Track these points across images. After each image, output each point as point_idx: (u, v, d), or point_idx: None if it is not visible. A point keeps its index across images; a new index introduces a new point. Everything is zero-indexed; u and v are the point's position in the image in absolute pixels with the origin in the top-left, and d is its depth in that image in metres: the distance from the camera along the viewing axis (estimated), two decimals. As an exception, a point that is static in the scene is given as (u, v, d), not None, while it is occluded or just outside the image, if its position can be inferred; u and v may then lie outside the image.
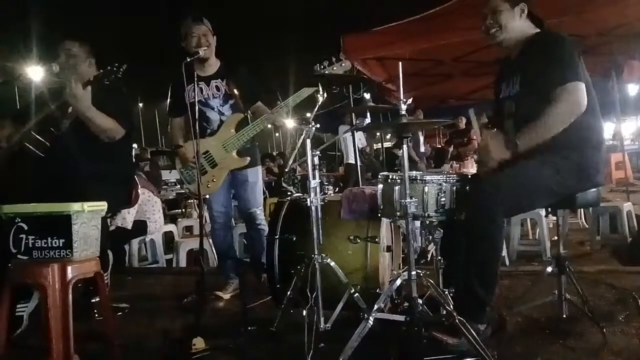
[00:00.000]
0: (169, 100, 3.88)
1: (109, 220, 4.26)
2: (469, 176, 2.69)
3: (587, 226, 6.40)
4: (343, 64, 3.03)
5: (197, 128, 3.18)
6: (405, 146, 2.48)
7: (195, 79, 3.46)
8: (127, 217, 5.19)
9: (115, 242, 5.02)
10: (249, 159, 3.69)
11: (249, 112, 3.70)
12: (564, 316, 2.84)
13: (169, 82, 3.83)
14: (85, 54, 3.49)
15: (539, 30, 2.72)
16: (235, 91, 3.66)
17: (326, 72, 2.97)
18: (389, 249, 3.15)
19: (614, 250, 5.07)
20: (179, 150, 3.71)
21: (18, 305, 3.13)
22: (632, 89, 8.71)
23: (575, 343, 2.59)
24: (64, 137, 3.29)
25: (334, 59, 2.97)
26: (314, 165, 2.75)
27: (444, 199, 2.54)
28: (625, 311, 2.99)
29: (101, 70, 3.19)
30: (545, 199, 2.66)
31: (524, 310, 2.95)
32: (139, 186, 5.44)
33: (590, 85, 2.61)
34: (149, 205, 5.47)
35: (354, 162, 7.25)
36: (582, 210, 6.72)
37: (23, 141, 3.26)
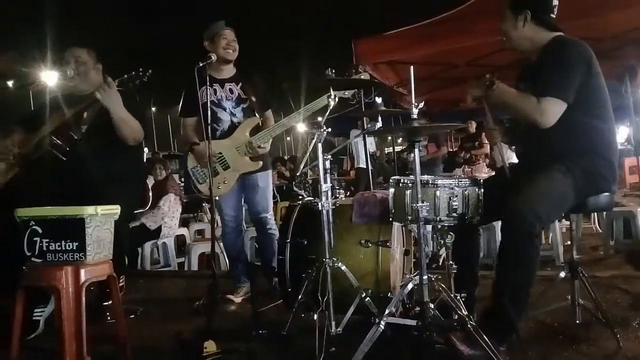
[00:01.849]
0: (182, 101, 3.93)
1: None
2: (481, 180, 2.68)
3: (600, 231, 6.34)
4: (362, 76, 3.09)
5: (209, 130, 3.21)
6: (416, 150, 2.49)
7: (209, 80, 3.49)
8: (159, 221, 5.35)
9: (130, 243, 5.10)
10: (261, 163, 3.73)
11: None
12: (578, 322, 2.82)
13: (182, 85, 3.89)
14: (93, 60, 3.54)
15: (557, 34, 2.68)
16: (253, 98, 3.76)
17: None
18: (407, 252, 3.15)
19: (628, 255, 5.02)
20: (196, 148, 3.74)
21: (35, 310, 3.17)
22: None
23: (589, 349, 2.57)
24: (81, 142, 3.33)
25: (353, 70, 3.01)
26: (325, 169, 2.76)
27: (456, 203, 2.53)
28: (639, 317, 2.96)
29: (125, 75, 3.25)
30: (567, 206, 2.63)
31: (537, 315, 2.93)
32: (175, 193, 5.59)
33: (601, 89, 2.60)
34: (170, 212, 5.57)
35: (364, 166, 7.27)
36: (595, 214, 6.67)
37: (44, 146, 3.30)
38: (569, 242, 3.06)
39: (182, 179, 6.91)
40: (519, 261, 2.43)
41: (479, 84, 2.71)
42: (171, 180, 5.91)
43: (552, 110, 2.51)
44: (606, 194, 2.61)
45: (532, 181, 2.51)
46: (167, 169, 6.11)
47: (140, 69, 3.23)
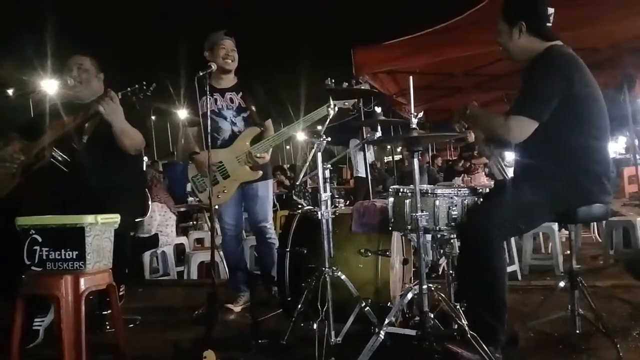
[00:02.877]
0: (186, 111, 3.96)
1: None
2: (481, 190, 2.69)
3: (600, 240, 6.34)
4: (362, 87, 3.10)
5: (209, 139, 3.22)
6: (415, 159, 2.50)
7: (209, 90, 3.49)
8: (152, 230, 5.34)
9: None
10: (261, 172, 3.73)
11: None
12: (577, 332, 2.81)
13: (184, 93, 3.93)
14: (95, 68, 3.55)
15: (551, 43, 2.65)
16: (253, 107, 3.78)
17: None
18: (406, 261, 3.15)
19: (627, 265, 5.01)
20: (196, 157, 3.76)
21: (35, 320, 3.17)
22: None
23: (589, 359, 2.57)
24: (83, 152, 3.33)
25: (353, 81, 3.02)
26: (325, 178, 2.76)
27: (455, 212, 2.54)
28: (639, 326, 2.96)
29: (129, 88, 3.25)
30: (541, 218, 2.63)
31: (536, 325, 2.92)
32: (161, 201, 5.58)
33: (589, 101, 2.57)
34: (163, 220, 5.55)
35: (364, 175, 7.27)
36: (595, 224, 6.67)
37: (45, 156, 3.30)
38: (568, 252, 3.06)
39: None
40: (482, 268, 2.40)
41: (458, 114, 2.79)
42: (155, 189, 5.86)
43: (519, 128, 2.50)
44: (599, 204, 2.56)
45: (499, 191, 2.52)
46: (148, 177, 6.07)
47: (144, 82, 3.23)
